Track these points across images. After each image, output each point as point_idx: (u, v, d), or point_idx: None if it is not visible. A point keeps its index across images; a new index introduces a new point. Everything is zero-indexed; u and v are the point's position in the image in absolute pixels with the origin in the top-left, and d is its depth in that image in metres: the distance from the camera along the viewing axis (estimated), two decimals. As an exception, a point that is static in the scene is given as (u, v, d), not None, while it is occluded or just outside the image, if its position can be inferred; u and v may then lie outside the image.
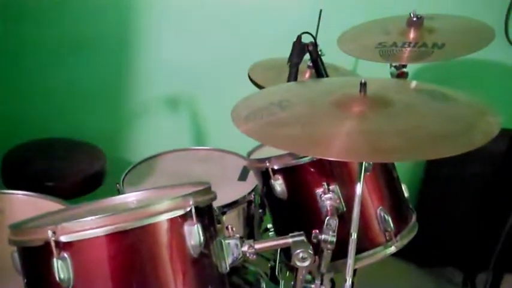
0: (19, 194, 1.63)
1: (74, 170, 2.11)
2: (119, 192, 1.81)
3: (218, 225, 1.68)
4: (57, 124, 2.50)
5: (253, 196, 1.81)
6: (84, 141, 2.30)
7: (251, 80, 1.96)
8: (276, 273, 1.87)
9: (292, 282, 1.35)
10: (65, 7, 2.41)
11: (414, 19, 1.76)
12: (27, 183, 1.96)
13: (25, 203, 1.61)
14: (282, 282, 1.85)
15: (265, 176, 1.54)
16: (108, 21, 2.45)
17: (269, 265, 1.95)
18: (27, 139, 2.27)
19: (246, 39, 2.45)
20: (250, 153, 1.74)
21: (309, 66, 1.92)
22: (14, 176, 2.08)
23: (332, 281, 1.59)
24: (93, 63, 2.50)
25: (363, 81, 1.27)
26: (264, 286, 1.82)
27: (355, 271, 1.67)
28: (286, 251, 1.50)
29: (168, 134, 2.55)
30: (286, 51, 1.72)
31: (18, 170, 2.10)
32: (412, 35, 1.75)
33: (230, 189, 1.81)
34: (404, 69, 1.78)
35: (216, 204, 1.66)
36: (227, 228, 1.26)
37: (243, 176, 1.91)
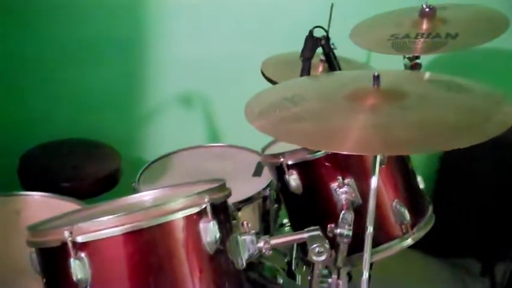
0: (35, 195, 1.64)
1: (89, 171, 2.12)
2: (135, 191, 1.82)
3: (233, 222, 1.69)
4: (71, 125, 2.51)
5: (268, 191, 1.81)
6: (99, 141, 2.31)
7: (264, 75, 1.96)
8: (293, 268, 1.87)
9: (309, 277, 1.35)
10: (77, 9, 2.41)
11: (427, 10, 1.74)
12: (44, 184, 1.96)
13: (41, 204, 1.62)
14: (298, 277, 1.86)
15: (279, 171, 1.53)
16: (119, 21, 2.45)
17: (285, 260, 1.95)
18: (43, 141, 2.28)
19: (258, 34, 2.44)
20: (264, 149, 1.74)
21: (321, 60, 1.91)
22: (30, 177, 2.09)
23: (349, 275, 1.59)
24: (105, 63, 2.51)
25: (376, 74, 1.26)
26: (281, 281, 1.83)
27: (371, 264, 1.67)
28: (303, 246, 1.50)
29: (182, 131, 2.55)
30: (298, 46, 1.72)
31: (34, 171, 2.12)
32: (424, 26, 1.74)
33: (245, 185, 1.82)
34: (418, 61, 1.76)
35: (231, 200, 1.66)
36: (242, 224, 1.26)
37: (257, 172, 1.91)
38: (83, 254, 1.05)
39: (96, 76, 2.52)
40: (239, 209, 1.74)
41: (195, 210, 1.11)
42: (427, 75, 1.53)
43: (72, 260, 1.04)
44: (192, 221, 1.11)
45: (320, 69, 1.95)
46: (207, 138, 2.62)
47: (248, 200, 1.76)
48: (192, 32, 2.47)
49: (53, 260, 1.11)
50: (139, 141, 2.65)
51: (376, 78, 1.26)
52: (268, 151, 1.72)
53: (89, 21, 2.44)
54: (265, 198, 1.82)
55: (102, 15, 2.44)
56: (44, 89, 2.52)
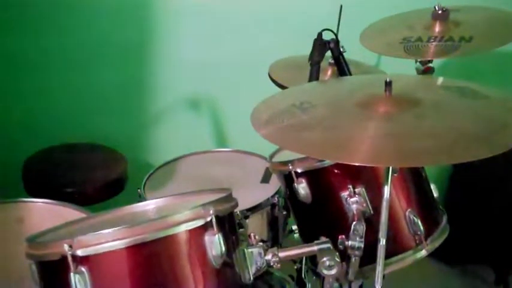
0: (39, 202, 1.61)
1: (94, 176, 2.09)
2: (141, 197, 1.79)
3: (241, 230, 1.65)
4: (77, 129, 2.49)
5: (276, 199, 1.78)
6: (105, 146, 2.28)
7: (271, 79, 1.92)
8: (303, 276, 1.83)
9: (319, 289, 1.31)
10: (82, 12, 2.39)
11: (439, 12, 1.70)
12: (48, 190, 1.94)
13: (45, 211, 1.59)
14: (308, 285, 1.81)
15: (288, 179, 1.49)
16: (126, 24, 2.42)
17: (295, 267, 1.91)
18: (48, 145, 2.25)
19: (267, 37, 2.41)
20: (272, 156, 1.70)
21: (330, 64, 1.88)
22: (35, 183, 2.06)
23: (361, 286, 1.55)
24: (112, 67, 2.48)
25: (388, 79, 1.22)
26: (290, 292, 1.78)
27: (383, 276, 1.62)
28: (312, 257, 1.46)
29: (189, 136, 2.52)
30: (307, 49, 1.69)
31: (39, 177, 2.09)
32: (437, 28, 1.69)
33: (253, 193, 1.79)
34: (430, 65, 1.72)
35: (238, 208, 1.63)
36: (250, 236, 1.22)
37: (265, 178, 1.88)
38: (83, 268, 1.02)
39: (101, 79, 2.49)
40: (246, 217, 1.71)
41: (200, 223, 1.08)
42: (440, 80, 1.48)
43: (72, 274, 1.01)
44: (197, 234, 1.08)
45: (329, 72, 1.92)
46: (214, 142, 2.59)
47: (256, 208, 1.74)
48: (200, 35, 2.44)
49: (53, 274, 1.07)
50: (146, 145, 2.62)
51: (388, 84, 1.21)
52: (277, 158, 1.68)
53: (95, 24, 2.42)
54: (273, 206, 1.79)
55: (107, 18, 2.41)
56: (49, 92, 2.49)
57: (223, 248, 1.08)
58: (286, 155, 1.61)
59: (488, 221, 2.41)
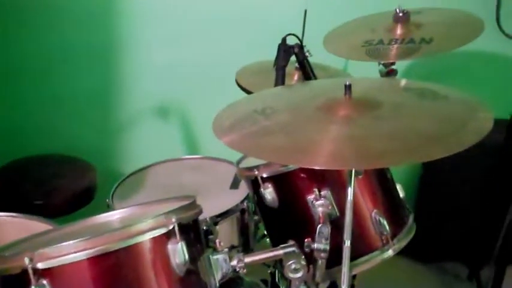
0: (5, 216, 1.59)
1: (63, 187, 2.07)
2: (109, 207, 1.78)
3: (211, 237, 1.65)
4: (45, 140, 2.47)
5: (246, 204, 1.78)
6: (74, 156, 2.26)
7: (238, 85, 1.92)
8: (276, 280, 1.83)
9: (287, 294, 1.31)
10: (47, 17, 2.36)
11: (400, 14, 1.72)
12: (17, 203, 1.92)
13: (12, 225, 1.57)
14: (282, 290, 1.82)
15: (255, 185, 1.49)
16: (95, 30, 2.40)
17: (269, 271, 1.91)
18: (15, 157, 2.23)
19: (235, 42, 2.41)
20: (239, 161, 1.70)
21: (297, 68, 1.88)
22: (3, 196, 2.03)
23: (334, 284, 1.55)
24: (80, 75, 2.46)
25: (347, 83, 1.23)
26: (261, 297, 1.78)
27: (354, 275, 1.63)
28: (281, 260, 1.46)
29: (159, 144, 2.51)
30: (274, 54, 1.68)
31: (7, 190, 2.06)
32: (399, 31, 1.71)
33: (222, 199, 1.78)
34: (394, 67, 1.73)
35: (208, 214, 1.64)
36: (215, 242, 1.22)
37: (235, 184, 1.86)
38: (44, 281, 1.00)
39: (68, 86, 2.47)
40: (216, 223, 1.70)
41: (162, 231, 1.07)
42: (403, 82, 1.50)
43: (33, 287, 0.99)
44: (160, 243, 1.07)
45: (296, 77, 1.92)
46: (184, 149, 2.58)
47: (226, 214, 1.73)
48: (168, 43, 2.43)
49: (14, 288, 1.06)
50: (115, 154, 2.60)
51: (348, 87, 1.22)
52: (244, 163, 1.68)
53: (60, 29, 2.39)
54: (243, 211, 1.78)
55: (72, 23, 2.39)
56: (16, 104, 2.46)
57: (187, 256, 1.07)
58: (253, 160, 1.61)
59: (459, 219, 2.44)
